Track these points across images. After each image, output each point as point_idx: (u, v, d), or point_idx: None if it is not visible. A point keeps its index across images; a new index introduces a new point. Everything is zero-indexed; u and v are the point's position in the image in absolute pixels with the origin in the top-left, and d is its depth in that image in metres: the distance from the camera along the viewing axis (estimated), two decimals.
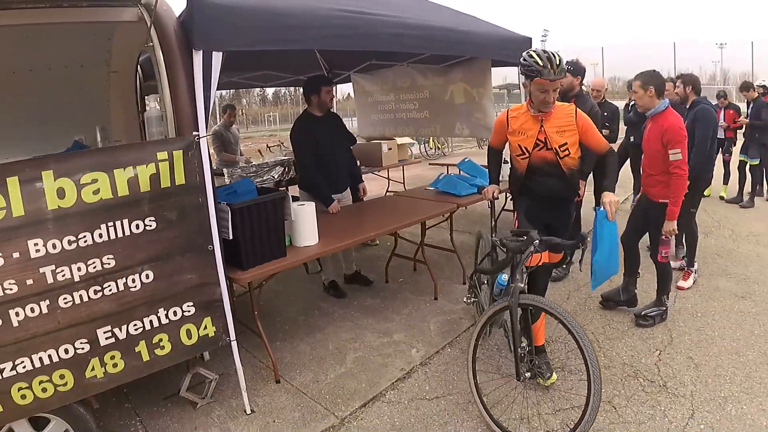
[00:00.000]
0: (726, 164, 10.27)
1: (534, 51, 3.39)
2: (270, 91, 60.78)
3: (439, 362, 4.16)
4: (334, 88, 6.87)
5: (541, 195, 3.79)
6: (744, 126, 10.02)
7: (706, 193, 10.10)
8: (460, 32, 5.27)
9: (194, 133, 3.03)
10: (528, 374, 3.25)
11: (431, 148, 19.07)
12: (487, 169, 4.81)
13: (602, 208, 3.26)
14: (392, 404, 3.61)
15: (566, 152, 3.59)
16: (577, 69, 5.70)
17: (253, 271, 3.68)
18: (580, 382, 3.46)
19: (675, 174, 4.23)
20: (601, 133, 4.06)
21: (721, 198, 10.15)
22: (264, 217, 3.74)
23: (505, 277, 3.54)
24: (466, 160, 6.67)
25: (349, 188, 5.74)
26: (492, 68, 6.79)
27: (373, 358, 4.25)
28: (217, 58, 3.12)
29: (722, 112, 10.34)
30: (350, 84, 8.96)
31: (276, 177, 7.19)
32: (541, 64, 3.32)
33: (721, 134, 10.13)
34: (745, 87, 10.22)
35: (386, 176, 9.67)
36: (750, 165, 9.89)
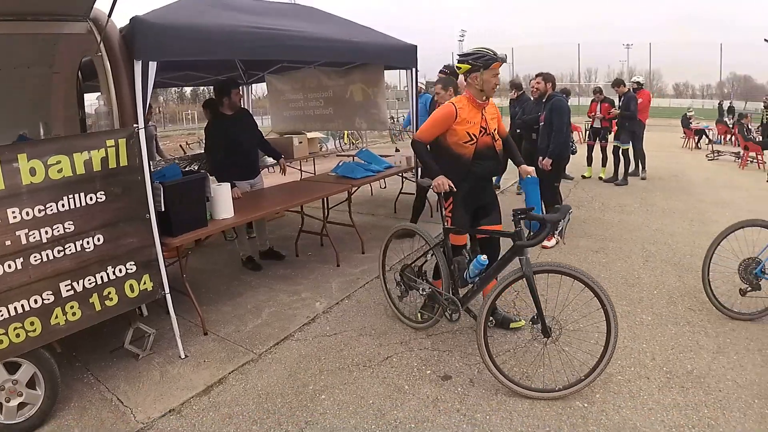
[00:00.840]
0: (603, 150, 12.02)
1: (476, 47, 4.21)
2: (188, 88, 60.13)
3: (338, 310, 5.11)
4: (242, 89, 7.70)
5: (481, 177, 4.37)
6: (616, 116, 11.50)
7: (587, 174, 11.82)
8: (354, 43, 6.34)
9: (134, 125, 3.81)
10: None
11: (346, 143, 19.89)
12: (382, 158, 5.79)
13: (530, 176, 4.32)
14: (299, 341, 4.50)
15: (497, 137, 4.39)
16: (453, 72, 6.73)
17: (181, 237, 4.47)
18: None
19: None
20: None
21: (600, 179, 11.87)
22: (188, 193, 4.55)
23: (484, 257, 4.06)
24: (363, 149, 7.59)
25: (260, 174, 6.61)
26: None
27: (285, 311, 5.12)
28: (153, 66, 3.95)
29: (598, 105, 11.98)
30: (265, 83, 9.68)
31: (195, 169, 7.92)
32: (491, 52, 4.14)
33: (597, 124, 11.86)
34: (616, 83, 11.78)
35: (299, 168, 10.47)
36: (622, 149, 11.58)
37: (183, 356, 4.32)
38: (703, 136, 19.23)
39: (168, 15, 4.37)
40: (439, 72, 7.34)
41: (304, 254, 6.78)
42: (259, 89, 9.95)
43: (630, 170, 11.94)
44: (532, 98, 8.26)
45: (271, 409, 3.55)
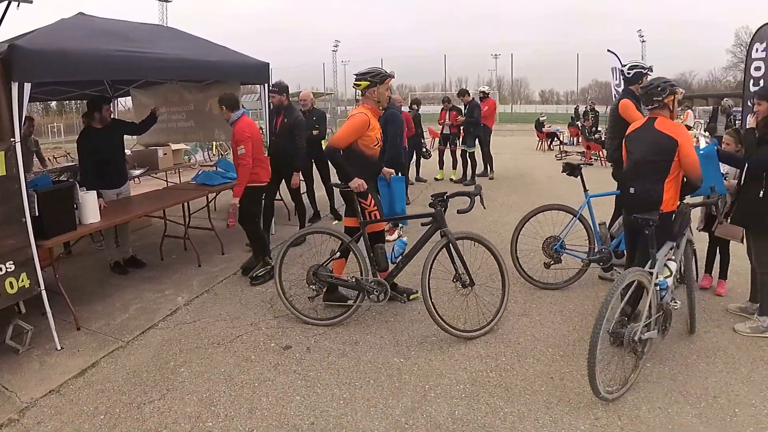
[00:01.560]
0: (453, 153, 13.50)
1: (368, 67, 5.34)
2: (54, 102, 57.72)
3: (198, 302, 5.81)
4: (112, 104, 8.22)
5: (377, 173, 5.47)
6: (462, 123, 13.08)
7: (438, 176, 13.23)
8: (211, 62, 7.10)
9: (11, 139, 4.35)
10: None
11: (214, 155, 20.29)
12: None
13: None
14: (162, 329, 5.16)
15: None
16: (281, 88, 7.56)
17: (53, 239, 5.02)
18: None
19: (241, 164, 6.10)
20: (311, 133, 6.02)
21: (451, 180, 13.32)
22: (59, 200, 5.11)
23: (405, 238, 5.29)
24: (222, 159, 8.25)
25: (128, 183, 7.18)
26: None
27: (150, 306, 5.73)
28: (28, 86, 4.49)
29: (447, 113, 13.42)
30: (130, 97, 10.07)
31: (65, 179, 8.30)
32: (383, 70, 5.27)
33: (447, 130, 13.51)
34: (461, 93, 13.54)
35: (164, 178, 10.92)
36: (468, 152, 13.13)
37: (59, 348, 4.79)
38: (555, 138, 21.19)
39: (41, 40, 4.95)
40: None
41: (168, 257, 7.36)
42: (127, 101, 10.34)
43: (479, 171, 13.58)
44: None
45: (138, 382, 4.19)
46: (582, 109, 30.79)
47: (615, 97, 14.65)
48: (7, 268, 4.37)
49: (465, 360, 4.39)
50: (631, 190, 4.57)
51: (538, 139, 22.18)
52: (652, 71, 6.02)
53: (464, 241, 5.00)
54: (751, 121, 5.38)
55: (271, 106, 7.66)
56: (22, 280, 4.51)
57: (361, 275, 5.13)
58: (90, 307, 5.73)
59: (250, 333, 5.01)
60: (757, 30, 13.98)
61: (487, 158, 13.83)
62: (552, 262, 5.83)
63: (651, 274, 4.05)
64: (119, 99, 10.35)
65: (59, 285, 5.15)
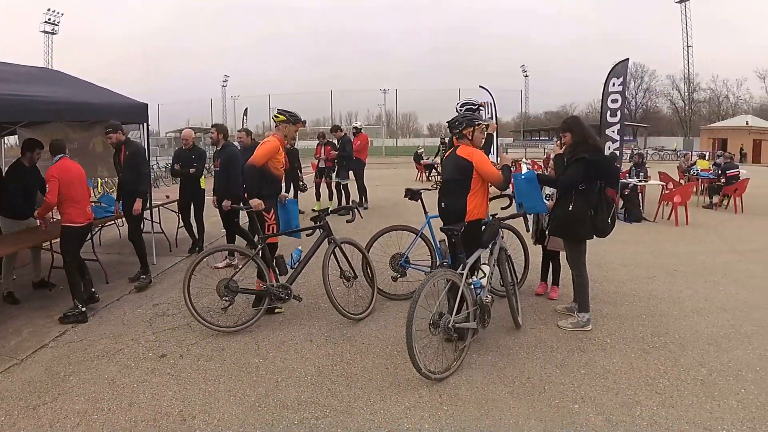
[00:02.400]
0: (328, 186, 14.53)
1: (289, 109, 6.64)
2: None
3: (84, 325, 6.44)
4: None
5: (279, 192, 6.68)
6: (335, 157, 14.22)
7: (316, 207, 14.20)
8: (92, 104, 7.91)
9: None
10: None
11: (99, 192, 20.51)
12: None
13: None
14: (53, 348, 5.76)
15: None
16: (114, 127, 7.92)
17: None
18: None
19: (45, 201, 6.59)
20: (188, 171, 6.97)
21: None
22: None
23: (300, 248, 6.41)
24: (106, 195, 8.87)
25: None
26: None
27: (41, 330, 6.26)
28: None
29: (322, 148, 14.61)
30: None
31: None
32: (300, 116, 6.68)
33: (322, 164, 14.60)
34: (334, 129, 14.97)
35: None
36: (342, 184, 14.33)
37: None
38: (433, 170, 22.54)
39: None
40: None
41: (56, 288, 7.87)
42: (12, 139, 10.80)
43: (355, 202, 14.53)
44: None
45: (32, 390, 4.83)
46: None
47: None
48: None
49: (314, 357, 5.34)
50: (443, 204, 5.76)
51: (417, 170, 23.55)
52: (483, 107, 7.22)
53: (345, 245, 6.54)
54: (555, 149, 6.57)
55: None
56: None
57: (266, 283, 6.15)
58: None
59: (131, 346, 5.73)
60: (613, 67, 15.92)
61: (362, 190, 14.99)
62: (398, 275, 6.82)
63: (461, 275, 5.09)
64: (5, 137, 10.75)
65: None
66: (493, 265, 5.70)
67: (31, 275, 8.05)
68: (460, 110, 6.98)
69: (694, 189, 18.49)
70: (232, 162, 8.47)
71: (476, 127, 5.64)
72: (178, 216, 9.50)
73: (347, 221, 6.61)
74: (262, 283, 6.26)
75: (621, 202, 14.25)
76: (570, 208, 5.80)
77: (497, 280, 6.29)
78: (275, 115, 6.68)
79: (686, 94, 76.77)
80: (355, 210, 6.69)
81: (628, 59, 16.16)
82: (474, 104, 7.12)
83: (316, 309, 6.74)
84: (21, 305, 7.25)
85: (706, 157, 23.66)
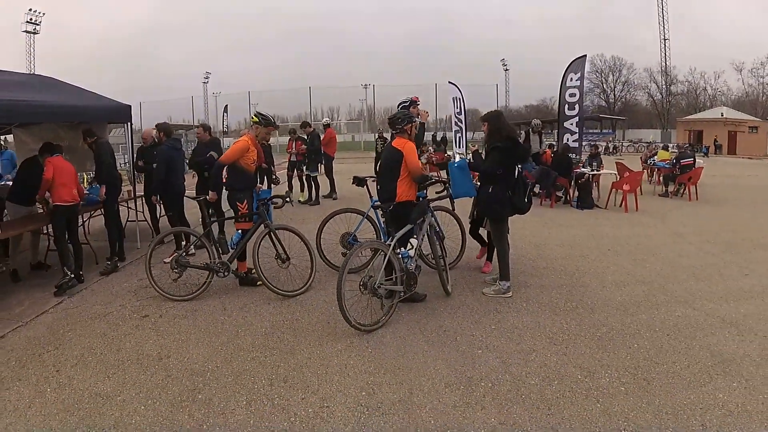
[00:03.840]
0: (300, 178, 15.78)
1: (266, 113, 7.66)
2: None
3: (79, 296, 7.53)
4: None
5: (253, 185, 7.63)
6: (305, 151, 15.37)
7: (301, 198, 15.02)
8: (79, 107, 8.92)
9: None
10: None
11: (86, 186, 21.49)
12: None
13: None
14: (52, 314, 6.80)
15: None
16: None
17: None
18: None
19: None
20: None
21: (299, 201, 15.36)
22: None
23: (240, 232, 7.37)
24: (94, 186, 9.79)
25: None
26: None
27: (40, 301, 7.28)
28: None
29: (293, 143, 15.66)
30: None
31: None
32: (273, 120, 7.65)
33: (294, 158, 15.72)
34: (304, 125, 15.85)
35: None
36: (312, 177, 15.40)
37: None
38: None
39: None
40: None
41: (53, 269, 8.84)
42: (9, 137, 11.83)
43: (325, 193, 15.93)
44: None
45: (37, 342, 5.88)
46: (439, 135, 34.06)
47: (455, 124, 17.30)
48: None
49: (270, 316, 6.45)
50: (378, 187, 6.92)
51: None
52: (417, 99, 8.33)
53: (282, 231, 7.56)
54: (470, 147, 7.73)
55: (141, 141, 9.49)
56: None
57: (210, 259, 7.22)
58: None
59: (119, 310, 6.79)
60: (571, 62, 16.96)
61: (331, 182, 16.17)
62: (347, 251, 7.87)
63: (389, 246, 6.16)
64: (2, 136, 11.74)
65: None
66: (421, 239, 6.72)
67: (30, 259, 9.03)
68: (398, 108, 7.99)
69: (653, 178, 19.73)
70: (158, 161, 9.23)
71: (413, 124, 6.78)
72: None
73: (275, 207, 7.85)
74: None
75: (575, 191, 15.35)
76: (490, 190, 6.86)
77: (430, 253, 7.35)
78: (253, 116, 7.71)
79: (663, 86, 78.11)
80: (286, 199, 7.79)
81: (585, 56, 17.08)
82: (407, 101, 8.26)
83: (275, 281, 7.74)
84: (22, 283, 8.24)
85: (669, 149, 24.61)
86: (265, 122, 7.60)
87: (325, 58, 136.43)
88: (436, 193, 7.96)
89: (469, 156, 7.55)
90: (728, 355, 5.32)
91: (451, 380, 4.82)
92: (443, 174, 16.95)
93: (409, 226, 6.48)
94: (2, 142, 11.04)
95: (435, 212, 7.72)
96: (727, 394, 4.55)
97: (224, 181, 7.59)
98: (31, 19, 67.99)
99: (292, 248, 7.59)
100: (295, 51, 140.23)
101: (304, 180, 15.72)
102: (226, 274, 7.24)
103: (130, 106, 9.80)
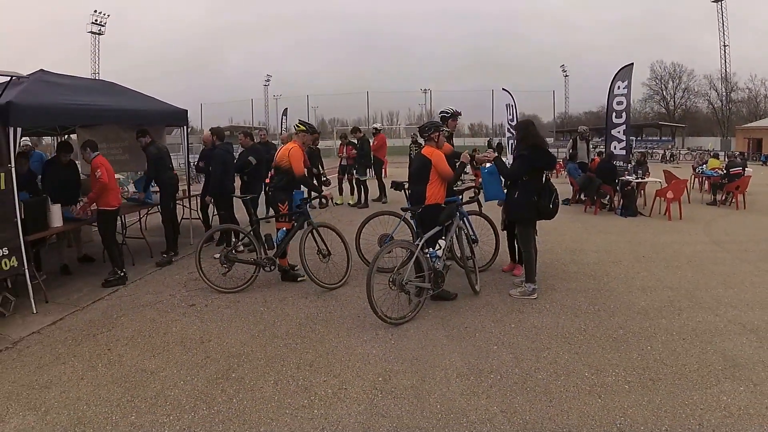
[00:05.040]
0: (350, 182, 16.19)
1: (304, 121, 8.27)
2: None
3: (132, 286, 8.20)
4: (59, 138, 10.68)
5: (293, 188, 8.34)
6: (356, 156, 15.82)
7: (338, 201, 16.01)
8: (142, 111, 9.75)
9: (9, 164, 6.57)
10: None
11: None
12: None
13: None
14: (107, 300, 7.50)
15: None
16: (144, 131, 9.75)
17: (32, 235, 7.22)
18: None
19: (98, 183, 7.97)
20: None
21: (349, 204, 16.02)
22: (36, 209, 7.47)
23: (284, 230, 7.99)
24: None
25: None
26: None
27: (97, 289, 8.00)
28: (20, 130, 6.79)
29: (344, 147, 16.12)
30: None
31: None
32: (313, 126, 8.30)
33: (344, 162, 16.12)
34: (354, 130, 16.39)
35: None
36: (361, 180, 15.85)
37: (35, 312, 6.86)
38: None
39: (27, 97, 7.15)
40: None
41: (100, 261, 9.58)
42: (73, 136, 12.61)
43: (375, 197, 16.33)
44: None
45: (92, 325, 6.49)
46: (495, 141, 34.00)
47: (508, 130, 17.60)
48: (3, 252, 6.55)
49: (306, 308, 6.96)
50: (409, 191, 7.40)
51: None
52: (459, 113, 8.74)
53: (324, 229, 8.19)
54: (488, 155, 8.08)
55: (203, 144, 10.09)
56: (13, 262, 6.68)
57: (257, 255, 7.81)
58: (53, 291, 7.81)
59: (168, 299, 7.40)
60: (619, 70, 17.05)
61: (380, 186, 16.52)
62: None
63: (417, 245, 6.60)
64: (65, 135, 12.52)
65: (33, 268, 7.25)
66: (449, 241, 7.11)
67: (76, 254, 9.75)
68: (439, 117, 8.60)
69: (703, 186, 19.61)
70: (213, 163, 9.77)
71: (441, 132, 7.23)
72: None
73: (320, 207, 8.69)
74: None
75: (620, 198, 15.46)
76: (516, 195, 7.23)
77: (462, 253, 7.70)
78: (297, 125, 8.18)
79: (723, 93, 76.35)
80: (322, 201, 8.82)
81: (632, 64, 17.01)
82: (448, 112, 8.65)
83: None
84: (76, 274, 8.90)
85: (720, 157, 24.36)
86: (311, 130, 8.32)
87: (386, 62, 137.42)
88: (470, 198, 8.36)
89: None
90: (742, 360, 5.46)
91: (463, 371, 5.19)
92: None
93: (437, 228, 6.89)
94: (30, 143, 11.74)
95: (470, 216, 8.17)
96: (732, 396, 4.72)
97: (267, 181, 8.15)
98: (96, 20, 69.49)
99: (333, 246, 8.21)
100: (356, 55, 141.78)
101: (354, 183, 16.17)
102: (272, 268, 7.89)
103: (186, 111, 10.50)
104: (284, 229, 7.97)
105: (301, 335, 6.06)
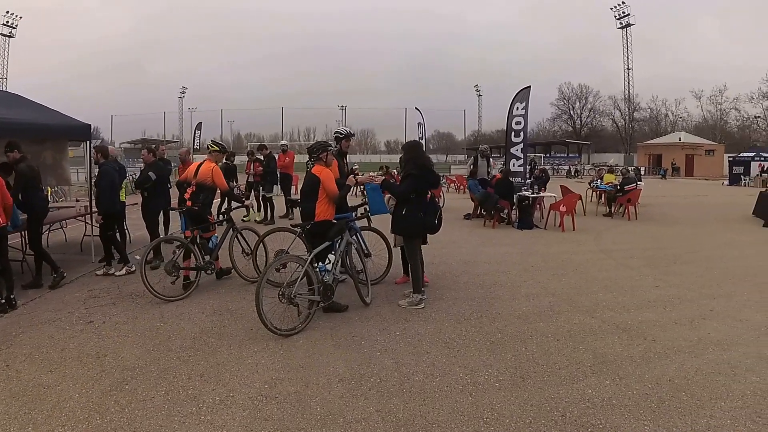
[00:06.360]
0: (257, 198, 16.26)
1: (218, 142, 9.07)
2: None
3: (41, 300, 8.18)
4: None
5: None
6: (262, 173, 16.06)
7: (245, 218, 15.85)
8: (42, 124, 9.77)
9: None
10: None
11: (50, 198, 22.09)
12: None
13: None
14: (7, 318, 7.53)
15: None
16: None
17: None
18: None
19: None
20: None
21: (256, 221, 16.02)
22: None
23: (218, 237, 9.06)
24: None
25: None
26: None
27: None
28: None
29: (252, 164, 16.33)
30: None
31: None
32: (225, 147, 9.11)
33: (251, 179, 16.30)
34: (260, 147, 16.62)
35: None
36: (267, 197, 16.07)
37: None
38: None
39: None
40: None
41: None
42: None
43: (282, 214, 16.79)
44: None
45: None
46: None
47: None
48: None
49: (201, 323, 7.23)
50: (300, 208, 7.79)
51: None
52: (352, 134, 9.30)
53: (245, 232, 9.65)
54: (375, 177, 8.88)
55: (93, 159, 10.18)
56: None
57: (198, 261, 8.59)
58: None
59: (67, 317, 7.53)
60: (518, 93, 17.94)
61: (287, 203, 16.95)
62: (281, 267, 8.64)
63: (306, 260, 6.98)
64: None
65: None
66: (339, 255, 7.54)
67: None
68: (333, 136, 9.15)
69: (601, 200, 20.80)
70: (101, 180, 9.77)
71: (328, 152, 7.75)
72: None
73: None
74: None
75: (516, 211, 16.30)
76: (403, 212, 7.73)
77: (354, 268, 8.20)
78: (210, 146, 9.14)
79: (627, 112, 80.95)
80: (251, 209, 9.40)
81: (529, 87, 18.09)
82: (342, 133, 9.13)
83: (214, 292, 8.69)
84: None
85: (615, 172, 25.81)
86: (222, 150, 9.24)
87: (307, 77, 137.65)
88: (361, 214, 8.77)
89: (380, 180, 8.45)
90: (611, 357, 6.06)
91: (345, 376, 5.58)
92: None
93: (326, 243, 7.34)
94: None
95: (363, 232, 8.68)
96: (597, 390, 5.23)
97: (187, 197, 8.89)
98: (7, 21, 67.77)
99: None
100: (278, 68, 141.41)
101: (261, 200, 16.39)
102: (212, 271, 8.87)
103: (89, 125, 10.54)
104: (216, 235, 8.99)
105: (195, 348, 6.33)
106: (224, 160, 11.05)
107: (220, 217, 10.06)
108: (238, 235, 9.36)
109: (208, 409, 4.92)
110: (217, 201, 11.93)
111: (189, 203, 8.80)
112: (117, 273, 9.72)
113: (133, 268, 9.79)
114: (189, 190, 8.81)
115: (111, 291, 8.33)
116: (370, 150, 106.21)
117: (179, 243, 8.69)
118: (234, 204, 11.32)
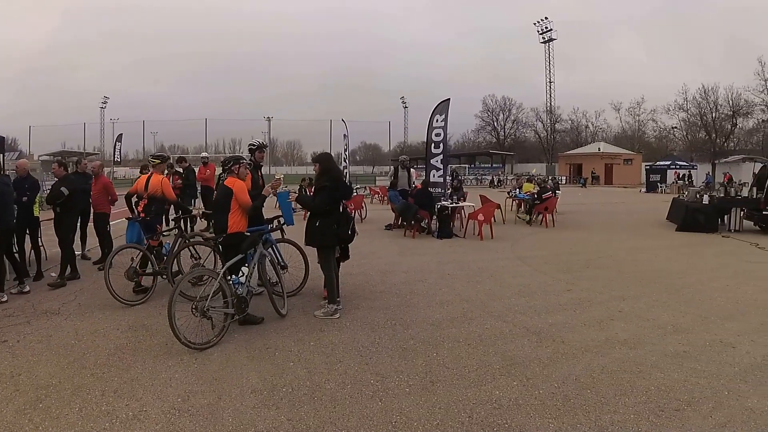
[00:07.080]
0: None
1: (159, 153, 9.53)
2: None
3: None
4: None
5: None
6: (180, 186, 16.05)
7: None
8: None
9: None
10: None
11: None
12: None
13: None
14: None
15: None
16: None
17: None
18: None
19: None
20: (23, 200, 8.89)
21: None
22: None
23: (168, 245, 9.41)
24: None
25: None
26: None
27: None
28: None
29: (171, 177, 16.01)
30: None
31: None
32: (165, 156, 9.56)
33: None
34: (179, 160, 16.77)
35: None
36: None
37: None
38: None
39: None
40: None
41: None
42: None
43: (203, 228, 16.42)
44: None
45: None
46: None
47: (344, 159, 18.36)
48: None
49: (116, 339, 7.23)
50: (212, 220, 8.22)
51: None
52: (265, 145, 9.66)
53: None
54: (292, 194, 9.24)
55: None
56: None
57: (154, 266, 8.94)
58: None
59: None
60: (437, 105, 18.35)
61: (208, 216, 16.66)
62: (196, 280, 8.77)
63: (219, 273, 7.16)
64: None
65: None
66: (253, 267, 7.70)
67: None
68: (248, 148, 9.63)
69: (521, 208, 21.52)
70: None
71: (241, 164, 7.95)
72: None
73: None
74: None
75: (435, 221, 16.70)
76: (317, 224, 7.94)
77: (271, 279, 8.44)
78: (151, 160, 9.93)
79: (549, 124, 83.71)
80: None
81: (449, 99, 18.51)
82: (255, 144, 9.58)
83: (130, 308, 8.61)
84: None
85: (534, 181, 26.72)
86: (164, 159, 10.16)
87: (233, 88, 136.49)
88: (276, 226, 8.92)
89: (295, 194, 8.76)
90: (519, 359, 6.39)
91: (258, 387, 5.74)
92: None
93: (239, 256, 7.48)
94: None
95: (279, 244, 8.89)
96: (504, 391, 5.52)
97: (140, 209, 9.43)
98: None
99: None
100: (202, 78, 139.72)
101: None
102: (165, 276, 9.04)
103: (3, 138, 10.38)
104: (168, 243, 9.53)
105: (109, 365, 6.37)
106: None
107: (171, 224, 10.48)
108: (187, 243, 9.60)
109: (121, 424, 5.00)
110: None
111: (143, 215, 9.39)
112: (12, 290, 9.38)
113: (27, 289, 9.53)
114: (141, 203, 9.43)
115: (25, 309, 8.28)
116: (296, 162, 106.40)
117: (139, 251, 9.03)
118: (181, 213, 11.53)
